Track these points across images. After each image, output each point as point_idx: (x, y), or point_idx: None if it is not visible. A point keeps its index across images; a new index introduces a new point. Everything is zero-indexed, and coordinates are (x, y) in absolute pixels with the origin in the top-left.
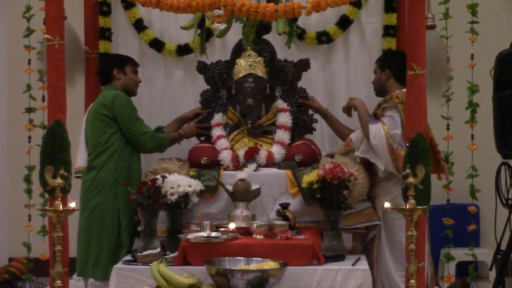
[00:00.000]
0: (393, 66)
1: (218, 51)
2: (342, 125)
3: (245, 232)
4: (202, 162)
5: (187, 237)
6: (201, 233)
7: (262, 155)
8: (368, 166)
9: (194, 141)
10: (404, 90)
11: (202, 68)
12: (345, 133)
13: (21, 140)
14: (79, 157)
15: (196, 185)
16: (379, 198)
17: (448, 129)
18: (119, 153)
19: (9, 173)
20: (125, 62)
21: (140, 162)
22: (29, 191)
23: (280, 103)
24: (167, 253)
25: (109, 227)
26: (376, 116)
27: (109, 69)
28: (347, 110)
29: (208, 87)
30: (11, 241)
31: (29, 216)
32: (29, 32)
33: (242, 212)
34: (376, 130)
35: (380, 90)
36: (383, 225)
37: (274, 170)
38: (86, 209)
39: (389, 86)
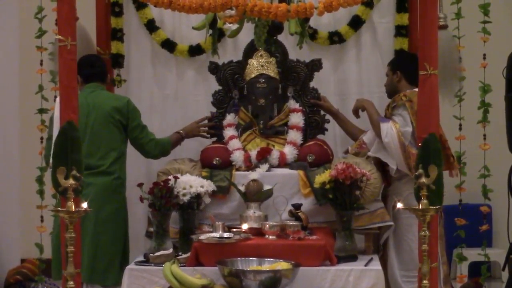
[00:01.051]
0: (404, 67)
1: (230, 52)
2: (353, 126)
3: (258, 232)
4: (214, 162)
5: (200, 237)
6: (214, 233)
7: (274, 155)
8: (381, 166)
9: (206, 141)
10: (415, 89)
11: (214, 68)
12: (356, 134)
13: (33, 141)
14: None
15: (208, 185)
16: (390, 197)
17: (460, 129)
18: (125, 159)
19: (21, 174)
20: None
21: None
22: (41, 192)
23: (292, 104)
24: (180, 253)
25: (121, 233)
26: (387, 116)
27: (107, 70)
28: (355, 111)
29: (220, 87)
30: (24, 242)
31: (42, 217)
32: (41, 33)
33: (254, 212)
34: (388, 128)
35: (392, 92)
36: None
37: (286, 171)
38: (98, 214)
39: (401, 88)
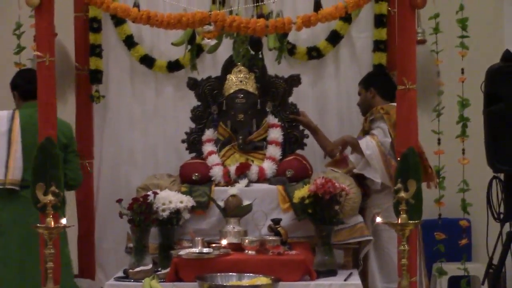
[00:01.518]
0: (377, 84)
1: (209, 67)
2: (330, 142)
3: (237, 248)
4: (194, 178)
5: (179, 253)
6: (193, 249)
7: (254, 170)
8: (359, 181)
9: (185, 157)
10: (391, 104)
11: (193, 84)
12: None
13: None
14: (16, 168)
15: (187, 201)
16: (369, 209)
17: (439, 143)
18: None
19: None
20: None
21: None
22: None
23: (271, 119)
24: (159, 269)
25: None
26: (364, 130)
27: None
28: (331, 152)
29: (199, 103)
30: None
31: None
32: (20, 49)
33: (233, 227)
34: (367, 141)
35: (367, 109)
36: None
37: (265, 186)
38: (23, 227)
39: (376, 104)
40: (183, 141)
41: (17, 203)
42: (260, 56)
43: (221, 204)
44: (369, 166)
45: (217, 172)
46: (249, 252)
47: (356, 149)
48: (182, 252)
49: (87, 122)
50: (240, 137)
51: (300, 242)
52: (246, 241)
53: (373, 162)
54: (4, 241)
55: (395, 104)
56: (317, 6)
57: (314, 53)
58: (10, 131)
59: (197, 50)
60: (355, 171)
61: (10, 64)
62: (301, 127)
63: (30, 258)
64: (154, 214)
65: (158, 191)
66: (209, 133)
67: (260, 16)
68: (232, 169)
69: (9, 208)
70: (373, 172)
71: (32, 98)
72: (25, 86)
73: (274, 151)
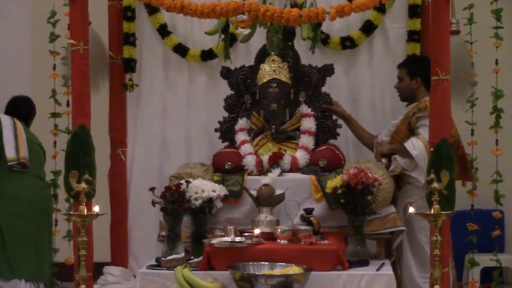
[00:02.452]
0: (424, 74)
1: (242, 56)
2: (365, 131)
3: (269, 237)
4: (226, 167)
5: (211, 242)
6: (225, 238)
7: (286, 160)
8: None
9: (218, 146)
10: None
11: (226, 73)
12: (368, 139)
13: (46, 145)
14: (23, 150)
15: (220, 190)
16: (401, 200)
17: (472, 134)
18: None
19: None
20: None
21: None
22: (55, 196)
23: (304, 108)
24: (191, 258)
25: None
26: (410, 125)
27: (33, 113)
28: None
29: (232, 92)
30: None
31: (56, 220)
32: (54, 37)
33: (266, 217)
34: (413, 142)
35: (408, 96)
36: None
37: (298, 175)
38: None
39: (419, 94)
40: (216, 130)
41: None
42: (290, 44)
43: (254, 193)
44: (417, 167)
45: (250, 161)
46: (281, 241)
47: (403, 152)
48: (215, 241)
49: (120, 110)
50: (273, 126)
51: (333, 232)
52: (278, 230)
53: (420, 162)
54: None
55: None
56: None
57: (347, 43)
58: (14, 125)
59: (230, 40)
60: (406, 172)
61: (45, 52)
62: (334, 117)
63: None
64: (187, 203)
65: (190, 179)
66: (242, 122)
67: (293, 5)
68: (265, 158)
69: (25, 187)
70: (419, 173)
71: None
72: (10, 112)
73: (307, 140)
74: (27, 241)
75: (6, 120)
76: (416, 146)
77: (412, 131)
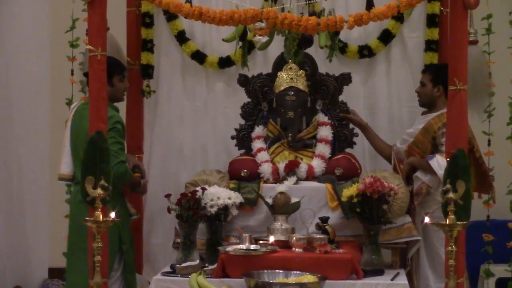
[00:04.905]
0: (447, 83)
1: (259, 64)
2: (382, 141)
3: (284, 245)
4: (242, 174)
5: (226, 249)
6: (240, 245)
7: (302, 168)
8: (407, 181)
9: (234, 153)
10: None
11: (244, 80)
12: (385, 149)
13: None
14: (65, 163)
15: (235, 197)
16: (418, 211)
17: (489, 144)
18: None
19: (51, 184)
20: (112, 73)
21: None
22: (70, 202)
23: (321, 117)
24: (206, 265)
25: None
26: (434, 140)
27: None
28: (410, 174)
29: (249, 99)
30: (52, 251)
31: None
32: (73, 42)
33: (281, 225)
34: (438, 161)
35: (428, 103)
36: (422, 238)
37: (314, 184)
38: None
39: (440, 103)
40: (232, 138)
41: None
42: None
43: (269, 201)
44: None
45: (266, 169)
46: (296, 249)
47: (426, 170)
48: (230, 248)
49: (137, 116)
50: (290, 134)
51: (348, 241)
52: (294, 238)
53: None
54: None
55: None
56: (369, 5)
57: (365, 51)
58: (65, 125)
59: (248, 47)
60: (431, 191)
61: (64, 57)
62: (351, 126)
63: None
64: (202, 210)
65: (206, 187)
66: (258, 130)
67: (312, 13)
68: (281, 166)
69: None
70: None
71: None
72: None
73: (323, 149)
74: None
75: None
76: (442, 165)
77: (436, 146)
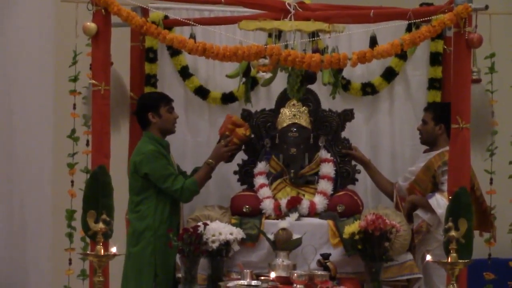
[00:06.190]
0: (449, 122)
1: (262, 100)
2: (384, 178)
3: (286, 281)
4: (244, 210)
5: (228, 285)
6: (242, 281)
7: (304, 205)
8: (409, 218)
9: (236, 188)
10: None
11: (247, 116)
12: (386, 186)
13: (64, 184)
14: None
15: (237, 233)
16: (419, 248)
17: (491, 183)
18: (157, 204)
19: (53, 216)
20: (158, 103)
21: (179, 213)
22: (70, 235)
23: (324, 153)
24: None
25: (146, 276)
26: (435, 178)
27: (144, 114)
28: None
29: (252, 135)
30: (53, 284)
31: (70, 260)
32: (75, 76)
33: (283, 261)
34: (438, 200)
35: (429, 141)
36: (423, 275)
37: (316, 220)
38: (128, 256)
39: (441, 141)
40: (235, 173)
41: None
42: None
43: (271, 237)
44: (441, 224)
45: (268, 205)
46: (298, 286)
47: (427, 208)
48: (231, 284)
49: None
50: (292, 170)
51: (349, 278)
52: (295, 275)
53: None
54: None
55: None
56: (373, 43)
57: (368, 89)
58: None
59: (251, 83)
60: (431, 229)
61: (67, 91)
62: (353, 162)
63: None
64: (204, 245)
65: (208, 222)
66: (261, 166)
67: (315, 51)
68: (283, 202)
69: None
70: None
71: (142, 127)
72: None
73: (325, 185)
74: None
75: None
76: (442, 204)
77: (436, 185)
